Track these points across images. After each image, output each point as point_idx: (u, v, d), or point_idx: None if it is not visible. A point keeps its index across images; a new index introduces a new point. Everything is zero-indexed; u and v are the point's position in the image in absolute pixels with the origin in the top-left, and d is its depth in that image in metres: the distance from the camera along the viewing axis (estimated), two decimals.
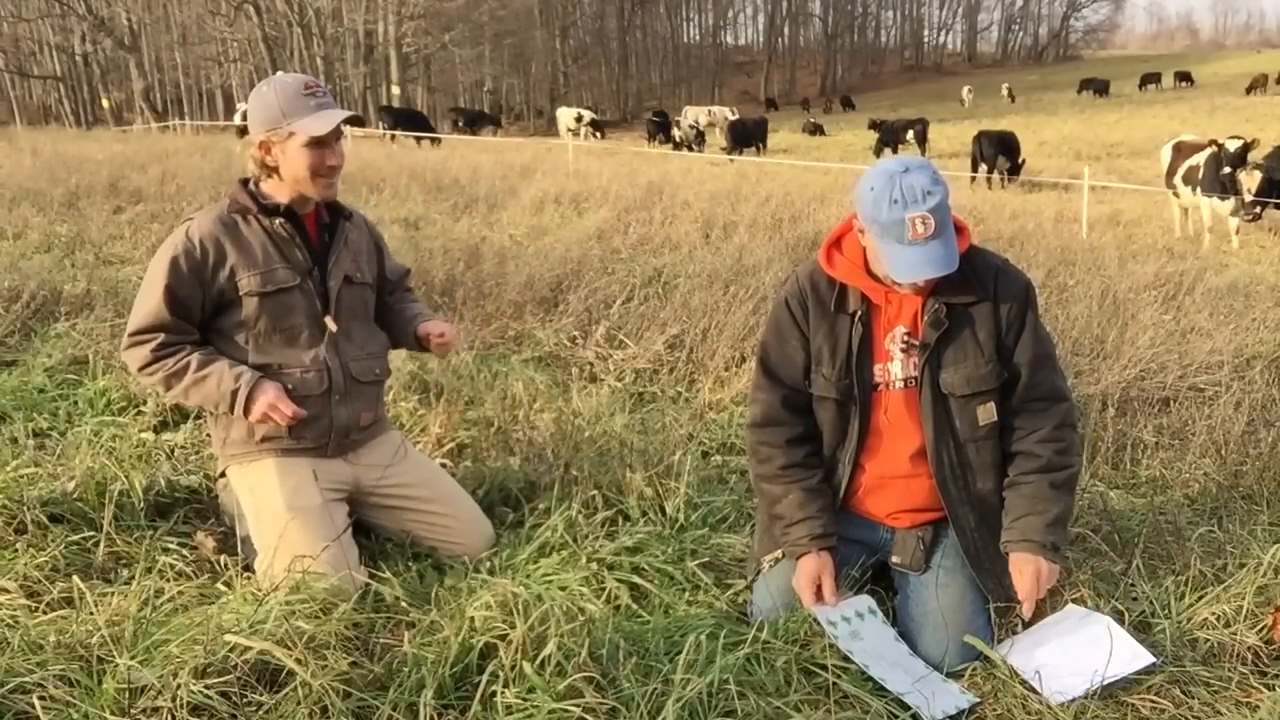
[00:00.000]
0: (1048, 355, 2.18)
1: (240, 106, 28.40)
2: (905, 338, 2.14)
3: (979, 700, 1.91)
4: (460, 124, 32.26)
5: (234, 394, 2.22)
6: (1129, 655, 1.96)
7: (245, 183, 2.37)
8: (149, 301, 2.26)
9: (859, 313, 2.14)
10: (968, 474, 2.16)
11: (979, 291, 2.12)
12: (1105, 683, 1.89)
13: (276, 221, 2.32)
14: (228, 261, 2.28)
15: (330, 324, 2.37)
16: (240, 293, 2.29)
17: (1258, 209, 8.95)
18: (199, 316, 2.31)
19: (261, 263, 2.30)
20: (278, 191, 2.34)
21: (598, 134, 30.97)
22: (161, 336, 2.26)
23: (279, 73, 2.43)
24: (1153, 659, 1.96)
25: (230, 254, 2.28)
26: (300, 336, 2.36)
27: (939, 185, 1.98)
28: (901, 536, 2.22)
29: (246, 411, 2.23)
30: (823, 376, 2.17)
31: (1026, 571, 2.06)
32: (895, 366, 2.15)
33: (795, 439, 2.23)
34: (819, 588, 2.10)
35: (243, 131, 23.13)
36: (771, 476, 2.23)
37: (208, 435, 2.79)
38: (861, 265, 2.14)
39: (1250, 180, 9.29)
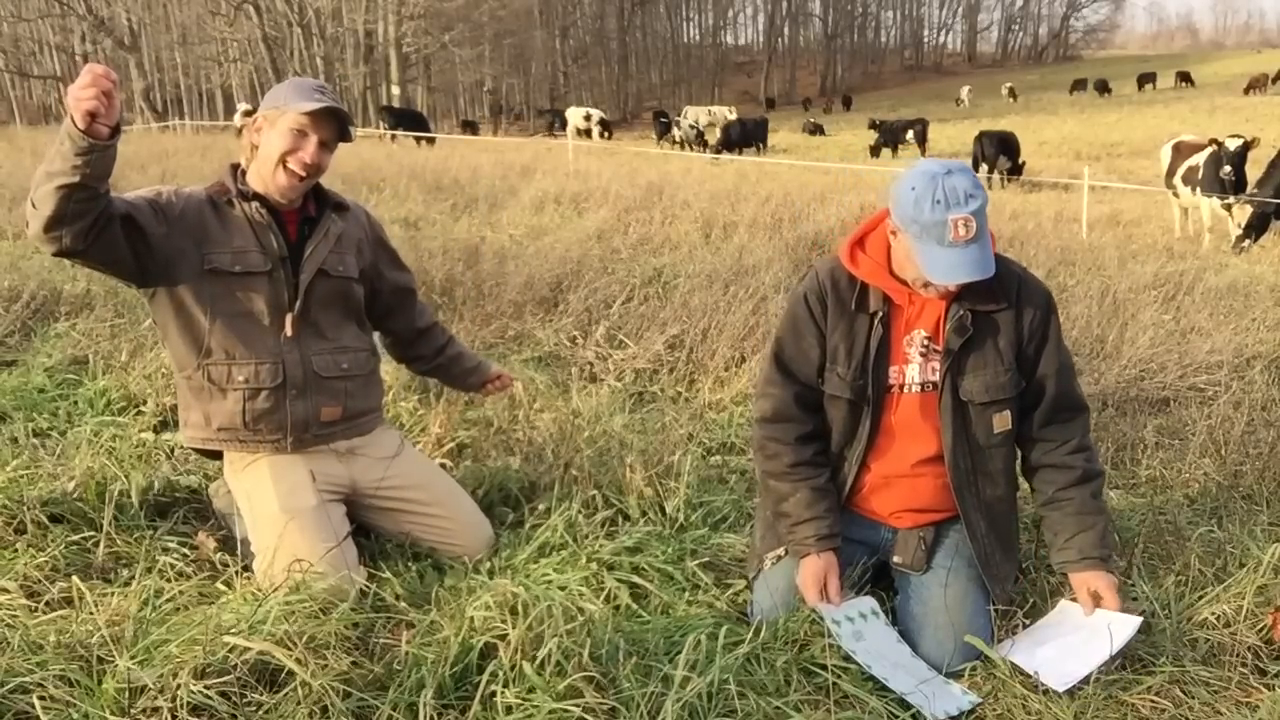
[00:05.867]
0: (1071, 365, 2.21)
1: (240, 106, 28.40)
2: (925, 342, 2.13)
3: (981, 700, 1.91)
4: (556, 127, 32.35)
5: (65, 122, 1.93)
6: (1120, 627, 1.98)
7: (235, 167, 2.37)
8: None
9: (880, 313, 2.12)
10: (980, 480, 2.16)
11: (1003, 299, 2.12)
12: (1107, 660, 1.91)
13: (254, 205, 2.30)
14: (203, 229, 2.26)
15: (288, 325, 2.32)
16: (206, 267, 2.25)
17: (1245, 244, 8.91)
18: (144, 219, 2.17)
19: (236, 243, 2.28)
20: (254, 183, 2.33)
21: (606, 133, 31.40)
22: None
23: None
24: (1139, 619, 2.00)
25: (211, 224, 2.27)
26: (260, 325, 2.31)
27: (980, 190, 1.99)
28: (903, 536, 2.22)
29: (74, 120, 1.89)
30: (837, 375, 2.15)
31: (1102, 587, 2.09)
32: (912, 370, 2.14)
33: (805, 436, 2.22)
34: (824, 587, 2.10)
35: (242, 131, 23.22)
36: (779, 474, 2.21)
37: None
38: (885, 265, 2.12)
39: (1241, 214, 9.22)
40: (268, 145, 2.27)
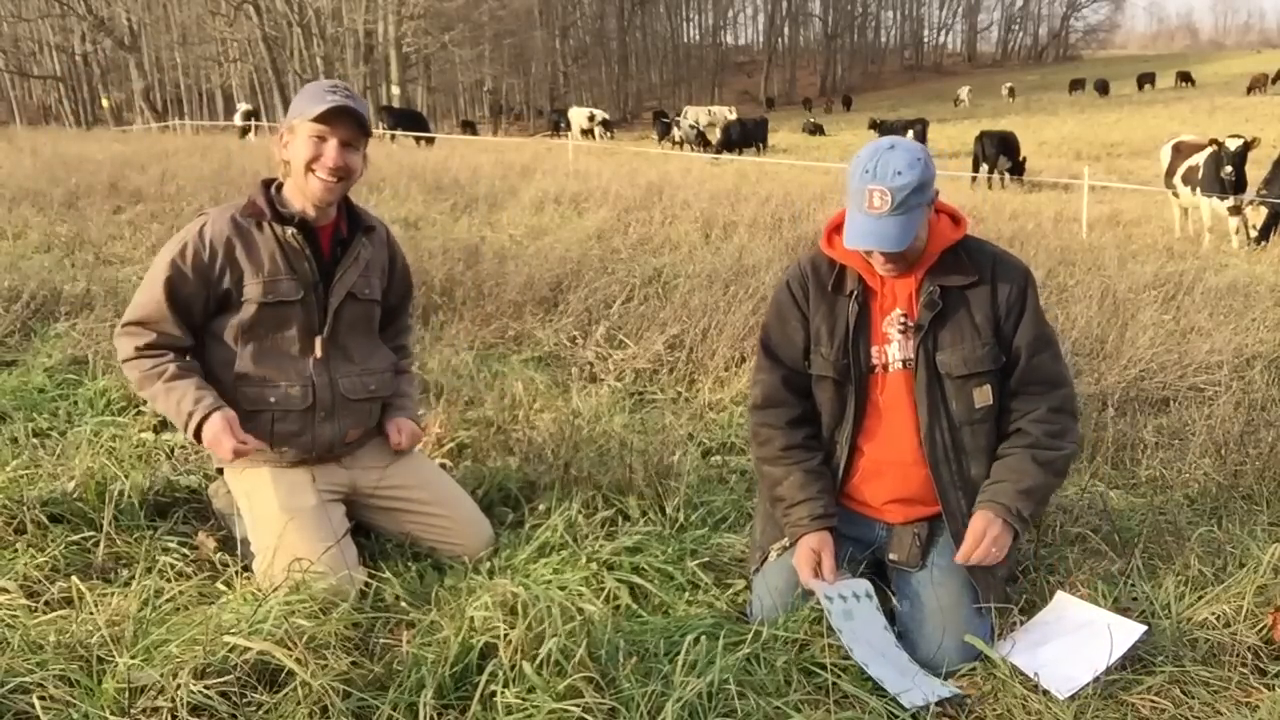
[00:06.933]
0: (1047, 340, 2.21)
1: (240, 106, 28.42)
2: (902, 320, 2.18)
3: (959, 691, 1.91)
4: (562, 127, 33.16)
5: (189, 416, 2.18)
6: (1123, 633, 1.97)
7: (268, 185, 2.36)
8: (150, 293, 2.24)
9: (855, 292, 2.19)
10: (961, 458, 2.18)
11: (973, 274, 2.16)
12: (1108, 666, 1.90)
13: (289, 231, 2.29)
14: (235, 265, 2.26)
15: (318, 347, 2.34)
16: (242, 298, 2.27)
17: (1262, 244, 8.89)
18: (199, 318, 2.29)
19: (268, 271, 2.28)
20: (294, 197, 2.32)
21: (610, 133, 32.39)
22: (152, 336, 2.25)
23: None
24: (1144, 628, 1.99)
25: (240, 258, 2.26)
26: (291, 350, 2.33)
27: (914, 170, 2.01)
28: (898, 533, 2.23)
29: (198, 438, 2.20)
30: (821, 356, 2.21)
31: (976, 526, 2.08)
32: (893, 349, 2.19)
33: (796, 420, 2.27)
34: (817, 565, 2.11)
35: (244, 132, 23.23)
36: (773, 458, 2.25)
37: None
38: None
39: (1256, 215, 9.18)
40: (295, 157, 2.28)
